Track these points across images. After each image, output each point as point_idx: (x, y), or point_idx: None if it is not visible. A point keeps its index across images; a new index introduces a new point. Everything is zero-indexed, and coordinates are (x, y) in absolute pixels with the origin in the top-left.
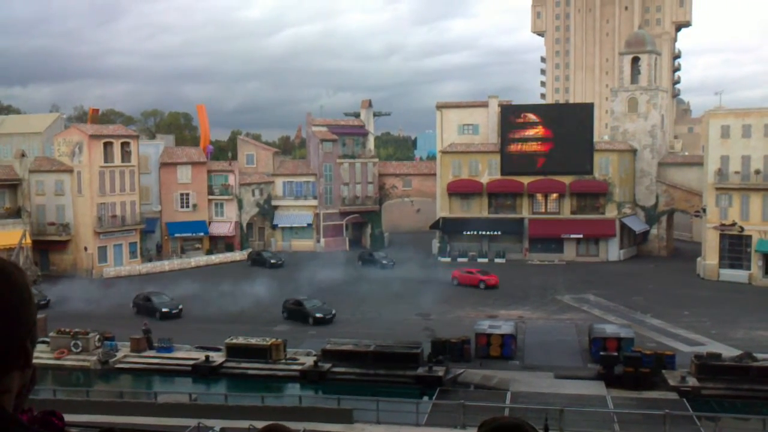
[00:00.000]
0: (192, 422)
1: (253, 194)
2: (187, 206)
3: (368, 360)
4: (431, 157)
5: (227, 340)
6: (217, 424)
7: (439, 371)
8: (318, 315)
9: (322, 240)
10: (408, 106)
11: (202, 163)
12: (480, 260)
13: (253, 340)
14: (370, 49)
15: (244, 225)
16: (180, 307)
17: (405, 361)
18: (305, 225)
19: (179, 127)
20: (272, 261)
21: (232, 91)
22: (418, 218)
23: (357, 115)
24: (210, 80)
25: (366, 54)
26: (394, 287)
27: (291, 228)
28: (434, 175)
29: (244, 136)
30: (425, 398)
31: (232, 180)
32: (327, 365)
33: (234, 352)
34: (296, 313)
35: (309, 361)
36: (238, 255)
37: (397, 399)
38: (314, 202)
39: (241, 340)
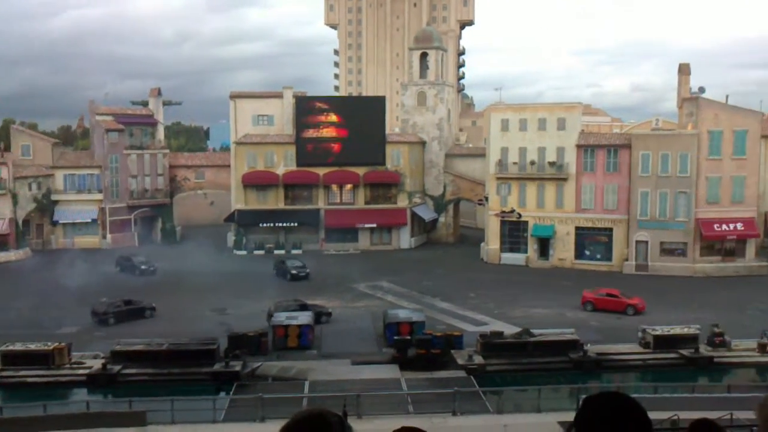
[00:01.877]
0: None
1: (30, 188)
2: None
3: (162, 359)
4: (225, 148)
5: (1, 348)
6: None
7: (237, 366)
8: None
9: (109, 236)
10: (201, 96)
11: None
12: (277, 252)
13: (32, 346)
14: (162, 35)
15: (20, 222)
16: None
17: (200, 358)
18: (89, 220)
19: None
20: (143, 267)
21: (4, 76)
22: (213, 211)
23: (145, 104)
24: None
25: (157, 40)
26: (187, 282)
27: (74, 224)
28: (228, 166)
29: (18, 125)
30: (222, 394)
31: (5, 173)
32: (117, 367)
33: (10, 359)
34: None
35: (97, 364)
36: (13, 254)
37: (192, 397)
38: (99, 196)
39: (18, 347)
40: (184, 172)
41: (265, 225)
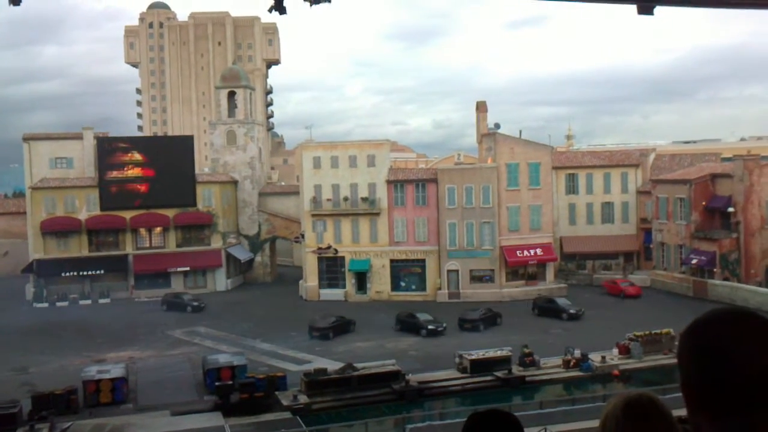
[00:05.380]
0: None
1: None
2: None
3: None
4: (19, 194)
5: None
6: None
7: (43, 428)
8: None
9: None
10: None
11: None
12: (83, 302)
13: None
14: None
15: None
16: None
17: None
18: None
19: None
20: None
21: None
22: (7, 262)
23: None
24: None
25: None
26: None
27: None
28: (24, 213)
29: None
30: None
31: None
32: None
33: None
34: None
35: None
36: None
37: None
38: None
39: None
40: None
41: (68, 274)
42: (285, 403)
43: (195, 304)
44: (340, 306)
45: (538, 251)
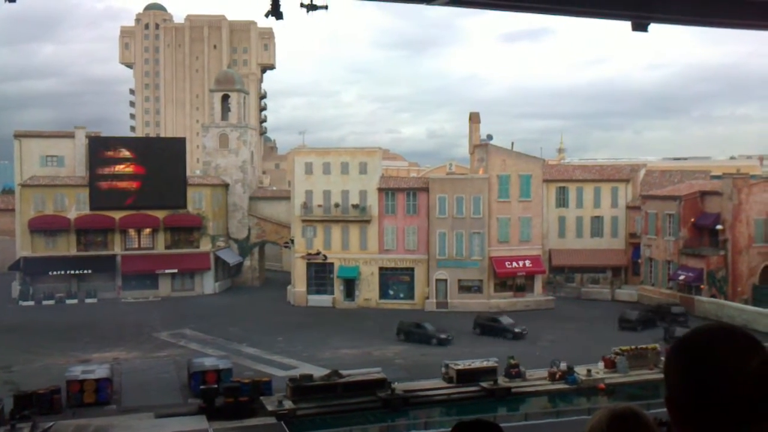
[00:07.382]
0: None
1: None
2: None
3: None
4: (8, 191)
5: None
6: None
7: (25, 428)
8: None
9: None
10: None
11: None
12: (69, 301)
13: None
14: None
15: None
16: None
17: None
18: None
19: None
20: None
21: None
22: None
23: None
24: None
25: None
26: None
27: None
28: (13, 210)
29: None
30: None
31: None
32: None
33: None
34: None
35: None
36: None
37: None
38: None
39: None
40: None
41: (55, 273)
42: (270, 408)
43: (517, 330)
44: (327, 312)
45: (527, 263)
